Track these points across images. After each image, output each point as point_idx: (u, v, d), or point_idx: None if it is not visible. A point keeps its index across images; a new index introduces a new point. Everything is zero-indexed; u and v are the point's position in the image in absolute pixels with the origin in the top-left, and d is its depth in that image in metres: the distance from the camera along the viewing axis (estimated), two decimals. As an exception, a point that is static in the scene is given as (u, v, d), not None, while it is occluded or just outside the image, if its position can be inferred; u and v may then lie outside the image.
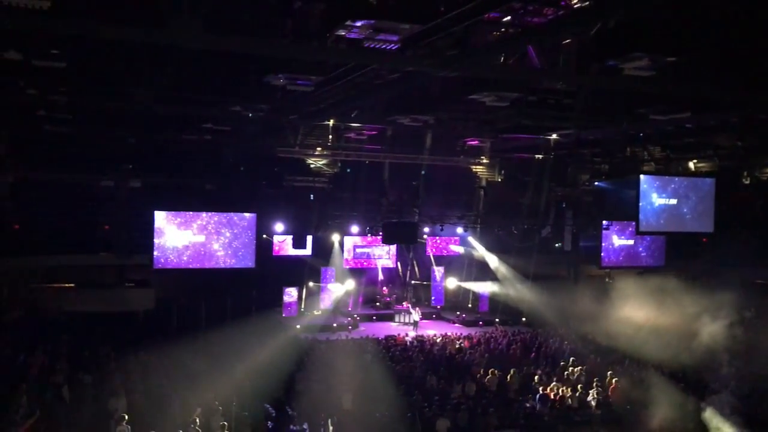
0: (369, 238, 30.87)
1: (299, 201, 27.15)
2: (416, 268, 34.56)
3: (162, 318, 25.67)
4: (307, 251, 28.21)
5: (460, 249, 33.11)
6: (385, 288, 34.28)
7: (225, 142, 24.44)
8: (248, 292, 26.98)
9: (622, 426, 19.30)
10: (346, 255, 31.56)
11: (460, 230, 31.21)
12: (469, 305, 33.95)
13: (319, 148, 25.64)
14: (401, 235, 26.71)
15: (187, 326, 23.57)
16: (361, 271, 32.81)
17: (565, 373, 22.04)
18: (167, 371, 19.36)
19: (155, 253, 21.75)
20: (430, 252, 33.03)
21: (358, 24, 10.14)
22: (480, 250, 32.14)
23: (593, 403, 20.22)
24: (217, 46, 11.80)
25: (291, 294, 29.82)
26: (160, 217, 21.86)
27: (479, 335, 27.42)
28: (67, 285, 27.50)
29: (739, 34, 11.55)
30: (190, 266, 22.31)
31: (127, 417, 15.29)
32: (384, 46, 11.22)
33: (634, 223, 21.69)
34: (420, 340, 26.15)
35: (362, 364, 21.31)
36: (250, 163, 25.87)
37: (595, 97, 17.08)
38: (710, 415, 17.85)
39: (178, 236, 22.01)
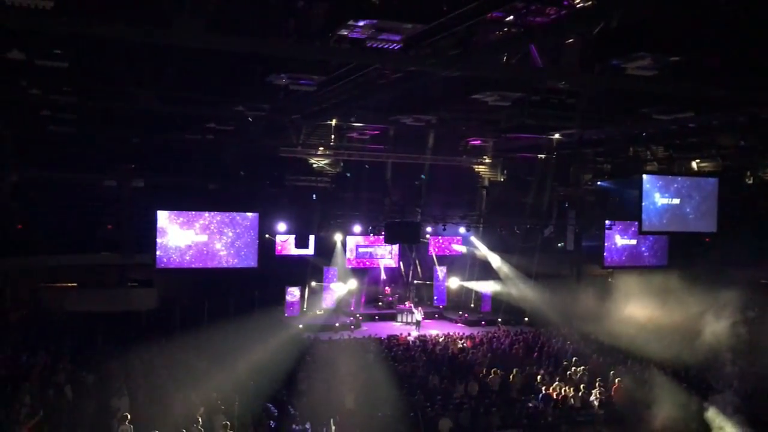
0: (371, 237, 30.86)
1: (302, 201, 27.18)
2: (419, 268, 34.56)
3: (165, 318, 25.73)
4: (310, 251, 28.22)
5: (462, 249, 33.10)
6: (387, 288, 34.29)
7: (228, 142, 24.44)
8: (250, 292, 27.02)
9: (625, 426, 19.27)
10: (348, 255, 31.55)
11: (462, 230, 31.20)
12: (472, 305, 33.96)
13: (321, 148, 25.64)
14: (404, 234, 26.71)
15: (189, 326, 23.60)
16: (363, 271, 32.81)
17: (568, 372, 22.02)
18: (170, 371, 19.38)
19: (158, 252, 21.77)
20: (433, 252, 33.02)
21: (361, 24, 10.13)
22: (482, 250, 32.13)
23: (596, 403, 20.19)
24: (220, 46, 11.81)
25: (293, 293, 29.83)
26: (163, 217, 21.88)
27: (482, 335, 27.40)
28: (69, 285, 27.56)
29: (742, 33, 11.53)
30: (193, 266, 22.33)
31: (129, 416, 15.30)
32: (386, 46, 11.22)
33: (636, 223, 21.64)
34: (422, 340, 26.15)
35: (364, 363, 21.31)
36: (252, 162, 25.87)
37: (598, 96, 17.07)
38: (713, 415, 17.83)
39: (180, 236, 22.03)
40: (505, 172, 29.70)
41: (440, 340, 26.21)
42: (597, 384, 20.76)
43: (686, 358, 21.23)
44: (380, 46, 11.20)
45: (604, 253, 25.69)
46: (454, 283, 33.60)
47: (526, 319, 30.99)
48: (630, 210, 21.79)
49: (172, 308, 26.29)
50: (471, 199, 30.75)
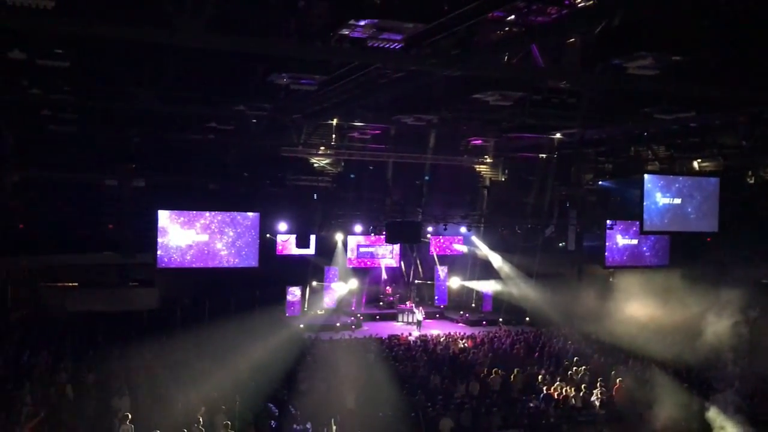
0: (372, 237, 30.84)
1: (303, 200, 27.18)
2: (420, 268, 34.57)
3: (165, 317, 25.71)
4: (311, 251, 28.21)
5: (463, 248, 33.09)
6: (388, 287, 34.29)
7: (229, 142, 24.44)
8: (251, 292, 27.01)
9: (626, 426, 19.26)
10: (349, 254, 31.54)
11: (463, 229, 31.19)
12: (473, 305, 33.95)
13: (322, 148, 25.65)
14: (405, 234, 26.69)
15: (190, 325, 23.59)
16: (364, 271, 32.80)
17: (569, 372, 22.01)
18: (171, 370, 19.39)
19: (159, 252, 21.74)
20: (434, 251, 33.00)
21: (362, 23, 10.12)
22: (483, 250, 32.12)
23: (597, 403, 20.18)
24: (221, 46, 11.79)
25: (294, 293, 29.82)
26: (164, 217, 21.86)
27: (483, 335, 27.40)
28: (70, 284, 27.56)
29: (743, 33, 11.52)
30: (194, 265, 22.30)
31: (130, 416, 15.31)
32: (388, 46, 11.20)
33: (638, 223, 21.61)
34: (423, 340, 26.15)
35: (365, 363, 21.32)
36: (253, 162, 25.88)
37: (599, 96, 17.05)
38: (714, 415, 17.81)
39: (181, 235, 22.02)
40: (506, 171, 29.69)
41: (441, 340, 26.21)
42: (598, 384, 20.75)
43: (687, 358, 21.21)
44: (381, 45, 11.18)
45: (606, 253, 25.65)
46: (455, 282, 33.60)
47: (527, 319, 30.98)
48: (631, 210, 21.73)
49: (173, 308, 26.29)
50: (472, 198, 30.74)
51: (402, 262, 33.82)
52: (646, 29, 10.85)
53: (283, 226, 26.69)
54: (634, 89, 15.00)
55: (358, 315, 31.18)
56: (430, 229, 31.01)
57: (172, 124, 22.39)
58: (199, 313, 25.60)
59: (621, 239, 25.81)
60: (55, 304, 26.07)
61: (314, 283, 31.08)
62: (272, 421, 16.84)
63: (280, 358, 21.04)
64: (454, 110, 19.56)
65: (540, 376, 21.40)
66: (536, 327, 29.11)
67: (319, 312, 30.72)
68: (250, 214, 22.91)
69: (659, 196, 20.85)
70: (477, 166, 29.51)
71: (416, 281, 34.61)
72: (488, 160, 29.12)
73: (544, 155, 27.16)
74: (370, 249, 32.35)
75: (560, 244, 29.77)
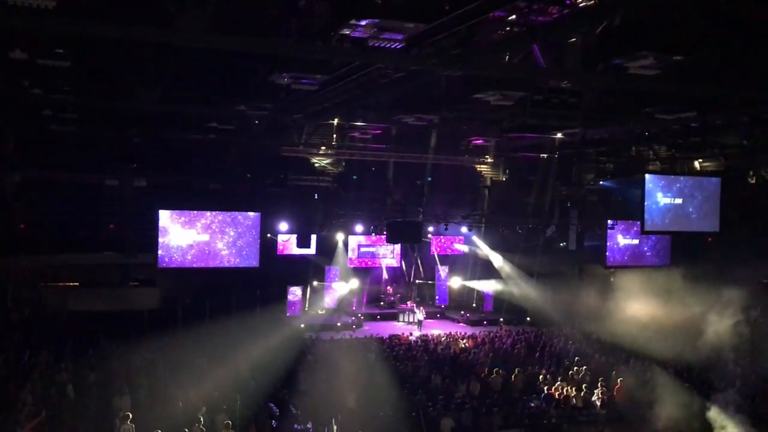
0: (373, 237, 30.82)
1: (304, 200, 27.20)
2: (420, 268, 34.55)
3: (166, 317, 25.69)
4: (312, 250, 28.21)
5: (464, 248, 33.08)
6: (389, 287, 34.28)
7: (229, 142, 24.45)
8: (252, 292, 26.99)
9: (627, 426, 19.25)
10: (350, 254, 31.53)
11: (464, 229, 31.17)
12: (474, 305, 33.92)
13: (323, 148, 25.65)
14: (406, 234, 26.68)
15: (191, 325, 23.57)
16: (365, 271, 32.79)
17: (570, 372, 22.00)
18: (172, 370, 19.38)
19: (160, 252, 21.77)
20: (435, 251, 32.98)
21: (363, 23, 10.12)
22: (484, 250, 32.11)
23: (598, 403, 20.17)
24: (221, 46, 11.81)
25: (295, 293, 29.82)
26: (165, 216, 21.88)
27: (483, 335, 27.38)
28: (71, 284, 27.56)
29: (745, 33, 11.51)
30: (195, 265, 22.33)
31: (131, 416, 15.30)
32: (389, 45, 11.20)
33: (639, 223, 21.60)
34: (424, 340, 26.14)
35: (366, 363, 21.31)
36: (254, 162, 25.88)
37: (601, 96, 17.05)
38: (715, 414, 17.79)
39: (182, 235, 22.03)
40: (507, 171, 29.71)
41: (442, 339, 26.20)
42: (599, 384, 20.73)
43: (689, 358, 21.19)
44: (382, 45, 11.18)
45: (607, 253, 25.65)
46: (455, 282, 33.58)
47: (528, 318, 30.96)
48: (632, 210, 21.72)
49: (173, 308, 26.27)
50: (473, 198, 30.76)
51: (403, 262, 33.81)
52: (648, 29, 10.85)
53: (284, 225, 26.69)
54: (636, 89, 15.00)
55: (359, 315, 31.16)
56: (430, 228, 30.99)
57: (173, 124, 22.41)
58: (200, 312, 25.57)
59: (622, 239, 25.80)
60: (56, 304, 26.08)
61: (315, 283, 31.07)
62: (273, 421, 16.84)
63: (280, 357, 21.05)
64: (455, 110, 19.56)
65: (541, 376, 21.38)
66: (537, 327, 29.09)
67: (319, 312, 30.72)
68: (251, 213, 22.94)
69: (660, 196, 20.84)
70: (478, 166, 29.53)
71: (417, 281, 34.60)
72: (489, 160, 29.13)
73: (545, 155, 27.16)
74: (371, 249, 32.35)
75: (561, 244, 29.76)
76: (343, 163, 27.20)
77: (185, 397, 17.03)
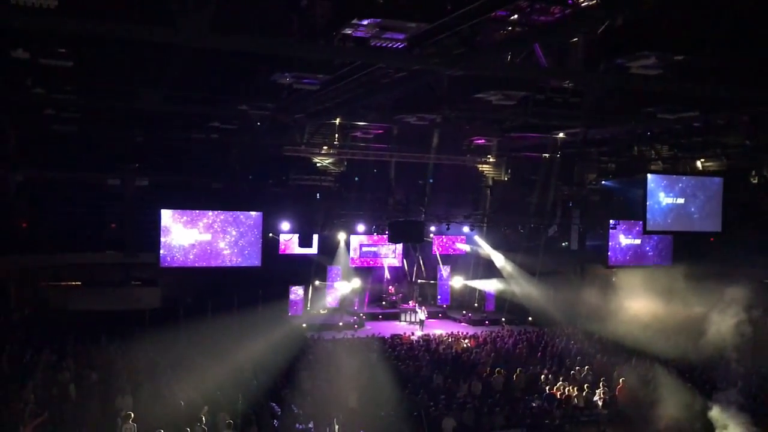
0: (375, 236, 30.83)
1: (305, 200, 27.20)
2: (422, 267, 34.52)
3: (168, 316, 25.73)
4: (313, 250, 28.21)
5: (466, 247, 33.07)
6: (391, 287, 34.26)
7: (231, 141, 24.46)
8: (254, 291, 27.00)
9: (629, 425, 19.23)
10: (352, 254, 31.53)
11: (466, 229, 31.15)
12: (476, 304, 33.90)
13: (325, 147, 25.65)
14: (407, 233, 26.68)
15: (193, 324, 23.58)
16: (367, 270, 32.78)
17: (572, 372, 21.98)
18: (174, 369, 19.38)
19: (162, 251, 21.78)
20: (437, 251, 32.97)
21: (365, 23, 10.12)
22: (486, 249, 32.10)
23: (600, 403, 20.15)
24: (224, 45, 11.81)
25: (297, 292, 29.82)
26: (167, 216, 21.89)
27: (485, 334, 27.37)
28: (73, 283, 27.59)
29: (746, 32, 11.50)
30: (197, 265, 22.34)
31: (133, 415, 15.31)
32: (391, 45, 11.21)
33: (641, 223, 21.60)
34: (426, 339, 26.12)
35: (368, 363, 21.29)
36: (256, 161, 25.89)
37: (603, 95, 17.03)
38: (717, 414, 17.77)
39: (184, 235, 22.04)
40: (509, 171, 29.70)
41: (444, 339, 26.19)
42: (601, 384, 20.72)
43: (691, 357, 21.17)
44: (384, 45, 11.19)
45: (608, 253, 25.64)
46: (457, 282, 33.57)
47: (530, 318, 30.94)
48: (634, 209, 21.72)
49: (175, 307, 26.28)
50: (475, 198, 30.73)
51: (405, 262, 33.79)
52: (649, 29, 10.85)
53: (285, 225, 26.69)
54: (637, 89, 15.00)
55: (361, 314, 31.13)
56: (432, 228, 30.97)
57: (175, 124, 22.44)
58: (202, 312, 25.56)
59: (624, 239, 25.80)
60: (57, 304, 26.11)
61: (317, 283, 31.05)
62: (274, 420, 16.85)
63: (282, 357, 21.05)
64: (457, 110, 19.57)
65: (543, 376, 21.37)
66: (539, 327, 29.07)
67: (321, 311, 30.71)
68: (253, 213, 22.95)
69: (662, 195, 20.84)
70: (480, 166, 29.51)
71: (419, 281, 34.56)
72: (491, 160, 29.11)
73: (547, 155, 27.13)
74: (373, 248, 32.35)
75: (563, 244, 29.76)
76: (345, 163, 27.20)
77: (187, 397, 17.03)
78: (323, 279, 30.90)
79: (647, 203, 20.57)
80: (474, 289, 33.86)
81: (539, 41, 12.24)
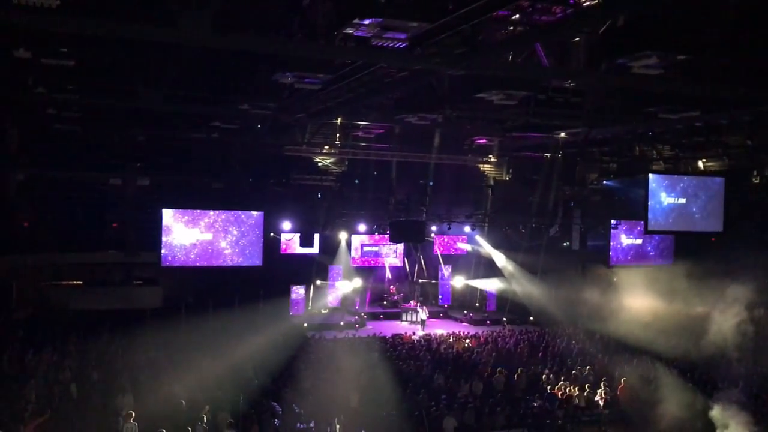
0: (376, 236, 30.86)
1: (307, 199, 27.20)
2: (424, 267, 34.54)
3: (169, 316, 25.74)
4: (315, 249, 28.22)
5: (467, 247, 33.06)
6: (392, 286, 34.27)
7: (233, 141, 24.46)
8: (255, 290, 27.01)
9: (630, 425, 19.23)
10: (353, 253, 31.55)
11: (467, 229, 31.15)
12: (477, 304, 33.90)
13: (326, 147, 25.65)
14: (409, 233, 26.69)
15: (194, 324, 23.61)
16: (368, 270, 32.80)
17: (573, 372, 21.98)
18: (175, 369, 19.40)
19: (163, 251, 21.79)
20: (438, 250, 32.99)
21: (366, 22, 10.12)
22: (488, 249, 32.09)
23: (601, 403, 20.14)
24: (226, 45, 11.81)
25: (298, 292, 29.85)
26: (168, 215, 21.90)
27: (486, 334, 27.38)
28: (75, 283, 27.62)
29: (748, 32, 11.49)
30: (198, 264, 22.34)
31: (134, 414, 15.33)
32: (392, 45, 11.21)
33: (642, 222, 21.58)
34: (427, 339, 26.12)
35: (369, 362, 21.30)
36: (257, 161, 25.89)
37: (604, 95, 17.01)
38: (718, 413, 17.76)
39: (185, 234, 22.04)
40: (511, 171, 29.67)
41: (445, 339, 26.19)
42: (602, 384, 20.71)
43: (692, 357, 21.16)
44: (386, 44, 11.19)
45: (610, 253, 25.63)
46: (458, 282, 33.59)
47: (531, 318, 30.94)
48: (636, 209, 21.71)
49: (176, 306, 26.30)
50: (476, 198, 30.68)
51: (406, 261, 33.82)
52: (651, 29, 10.84)
53: (287, 225, 26.68)
54: (639, 88, 14.98)
55: (362, 314, 31.14)
56: (434, 228, 30.98)
57: (177, 123, 22.42)
58: (203, 311, 25.60)
59: (625, 239, 25.78)
60: (59, 303, 26.12)
61: (318, 282, 31.07)
62: (275, 420, 16.86)
63: (283, 356, 21.07)
64: (459, 109, 19.56)
65: (544, 376, 21.37)
66: (540, 326, 29.08)
67: (322, 311, 30.75)
68: (254, 212, 22.95)
69: (664, 195, 20.83)
70: (481, 166, 29.50)
71: (420, 280, 34.57)
72: (492, 160, 29.10)
73: (548, 154, 27.12)
74: (374, 248, 32.40)
75: (564, 244, 29.72)
76: (347, 163, 27.19)
77: (188, 396, 17.04)
78: (324, 278, 30.93)
79: (649, 203, 20.56)
80: (475, 289, 33.87)
81: (541, 41, 12.23)
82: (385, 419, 17.63)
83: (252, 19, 10.92)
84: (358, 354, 22.07)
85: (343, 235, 30.70)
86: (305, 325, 28.19)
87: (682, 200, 21.00)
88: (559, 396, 20.11)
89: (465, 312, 32.67)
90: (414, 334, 27.82)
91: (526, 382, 21.14)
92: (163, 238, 21.73)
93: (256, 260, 22.89)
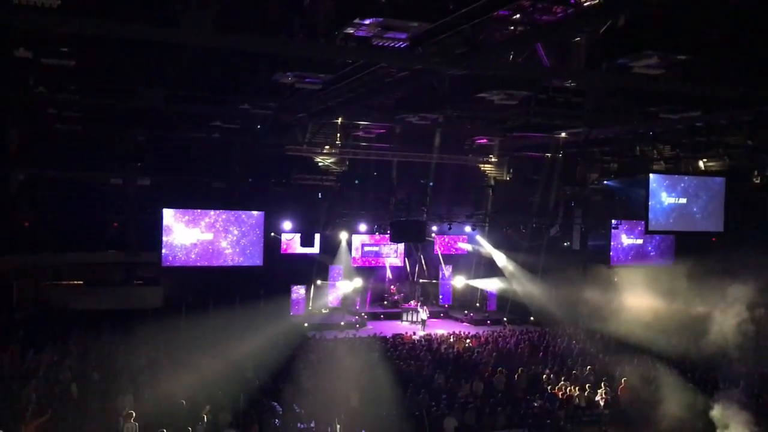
0: (377, 236, 30.87)
1: (307, 199, 27.22)
2: (424, 267, 34.54)
3: (170, 315, 25.76)
4: (315, 249, 28.23)
5: (468, 247, 33.06)
6: (392, 286, 34.28)
7: (233, 141, 24.46)
8: (256, 290, 27.02)
9: (631, 425, 19.21)
10: (354, 253, 31.56)
11: (468, 229, 31.15)
12: (477, 304, 33.90)
13: (327, 147, 25.64)
14: (409, 233, 26.69)
15: (195, 324, 23.62)
16: (369, 270, 32.81)
17: (574, 372, 21.97)
18: (175, 369, 19.40)
19: (163, 250, 21.78)
20: (438, 250, 33.00)
21: (367, 22, 10.11)
22: (488, 249, 32.09)
23: (602, 403, 20.13)
24: (226, 45, 11.81)
25: (299, 292, 29.86)
26: (169, 215, 21.89)
27: (487, 334, 27.38)
28: (75, 282, 27.64)
29: (749, 32, 11.48)
30: (198, 264, 22.34)
31: (134, 414, 15.32)
32: (393, 44, 11.20)
33: (643, 222, 21.58)
34: (428, 339, 26.12)
35: (370, 362, 21.30)
36: (258, 161, 25.90)
37: (605, 95, 17.01)
38: (719, 413, 17.75)
39: (186, 234, 22.04)
40: (512, 171, 29.67)
41: (445, 339, 26.18)
42: (602, 384, 20.70)
43: (693, 357, 21.15)
44: (386, 44, 11.18)
45: (611, 253, 25.63)
46: (459, 282, 33.59)
47: (532, 318, 30.94)
48: (636, 209, 21.73)
49: (177, 306, 26.32)
50: (477, 197, 30.71)
51: (406, 261, 33.82)
52: (652, 28, 10.83)
53: (287, 224, 26.69)
54: (640, 88, 14.97)
55: (363, 314, 31.15)
56: (434, 228, 30.99)
57: (177, 123, 22.42)
58: (204, 311, 25.61)
59: (626, 239, 25.79)
60: (60, 303, 26.14)
61: (318, 282, 31.08)
62: (276, 420, 16.85)
63: (284, 356, 21.07)
64: (459, 109, 19.55)
65: (544, 376, 21.36)
66: (541, 326, 29.08)
67: (323, 311, 30.76)
68: (255, 212, 22.94)
69: (665, 195, 20.82)
70: (482, 166, 29.50)
71: (421, 280, 34.58)
72: (493, 159, 29.10)
73: (549, 154, 27.11)
74: (375, 248, 32.41)
75: (565, 244, 29.73)
76: (347, 163, 27.19)
77: (188, 396, 17.04)
78: (325, 278, 30.95)
79: (649, 203, 20.56)
80: (476, 289, 33.87)
81: (541, 41, 12.23)
82: (386, 419, 17.62)
83: (253, 18, 10.92)
84: (358, 354, 22.07)
85: (343, 235, 30.71)
86: (306, 325, 28.19)
87: (683, 200, 21.00)
88: (560, 396, 20.09)
89: (465, 312, 32.66)
90: (414, 334, 27.82)
91: (526, 382, 21.13)
92: (164, 238, 21.72)
93: (257, 260, 22.88)
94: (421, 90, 17.04)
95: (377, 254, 32.53)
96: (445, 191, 29.76)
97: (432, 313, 31.62)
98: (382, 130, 24.94)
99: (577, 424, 19.28)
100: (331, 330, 27.88)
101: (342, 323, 29.27)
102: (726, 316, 20.82)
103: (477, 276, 33.26)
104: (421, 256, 34.25)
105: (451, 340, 26.02)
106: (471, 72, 13.44)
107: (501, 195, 29.34)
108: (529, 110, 17.28)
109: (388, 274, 33.82)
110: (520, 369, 21.57)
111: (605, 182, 25.95)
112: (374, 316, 31.84)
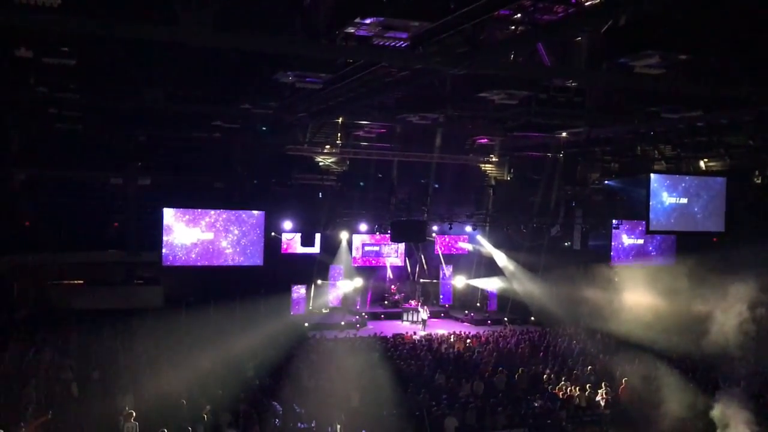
0: (377, 236, 30.85)
1: (308, 199, 27.21)
2: (425, 267, 34.50)
3: (171, 315, 25.75)
4: (316, 249, 28.22)
5: (468, 247, 33.04)
6: (393, 286, 34.25)
7: (234, 140, 24.46)
8: (256, 290, 27.01)
9: (632, 425, 19.20)
10: (354, 253, 31.55)
11: (468, 228, 31.13)
12: (478, 304, 33.89)
13: (327, 146, 25.64)
14: (410, 233, 26.66)
15: (195, 323, 23.62)
16: (369, 269, 32.79)
17: (574, 372, 21.96)
18: (176, 368, 19.40)
19: (164, 250, 21.81)
20: (439, 250, 32.98)
21: (368, 21, 10.10)
22: (489, 249, 32.07)
23: (602, 403, 20.12)
24: (227, 44, 11.81)
25: (299, 291, 29.84)
26: (169, 215, 21.92)
27: (488, 334, 27.37)
28: (76, 282, 27.64)
29: (750, 31, 11.47)
30: (199, 263, 22.37)
31: (134, 414, 15.33)
32: (393, 44, 11.19)
33: (643, 222, 21.56)
34: (428, 339, 26.11)
35: (370, 362, 21.29)
36: (258, 160, 25.89)
37: (606, 95, 17.00)
38: (719, 413, 17.74)
39: (186, 234, 22.06)
40: (512, 170, 29.66)
41: (446, 338, 26.17)
42: (603, 384, 20.69)
43: (694, 357, 21.14)
44: (387, 43, 11.17)
45: (611, 253, 25.61)
46: (460, 281, 33.57)
47: (533, 318, 30.92)
48: (637, 209, 21.71)
49: (178, 306, 26.31)
50: (477, 197, 30.69)
51: (407, 261, 33.80)
52: (653, 28, 10.81)
53: (288, 224, 26.69)
54: (641, 88, 14.96)
55: (363, 314, 31.13)
56: (435, 227, 30.95)
57: (178, 123, 22.41)
58: (204, 311, 25.60)
59: (627, 239, 25.78)
60: (60, 302, 26.16)
61: (319, 282, 31.05)
62: (276, 420, 16.85)
63: (284, 356, 21.06)
64: (460, 109, 19.55)
65: (545, 376, 21.36)
66: (541, 326, 29.06)
67: (323, 310, 30.74)
68: (255, 212, 22.97)
69: (665, 195, 20.81)
70: (482, 165, 29.49)
71: (421, 280, 34.54)
72: (494, 159, 29.09)
73: (550, 154, 27.10)
74: (375, 248, 32.39)
75: (566, 244, 29.70)
76: (348, 162, 27.18)
77: (189, 396, 17.05)
78: (325, 278, 30.93)
79: (650, 203, 20.55)
80: (476, 289, 33.85)
81: (542, 40, 12.22)
82: (386, 419, 17.63)
83: (253, 18, 10.91)
84: (359, 354, 22.07)
85: (344, 235, 30.69)
86: (306, 324, 28.17)
87: (684, 200, 20.99)
88: (561, 396, 20.09)
89: (466, 312, 32.65)
90: (415, 333, 27.81)
91: (527, 382, 21.13)
92: (165, 238, 21.74)
93: (257, 260, 22.91)
94: (422, 89, 17.02)
95: (378, 254, 32.52)
96: (445, 191, 29.76)
97: (432, 312, 31.61)
98: (382, 130, 24.93)
99: (578, 424, 19.28)
100: (332, 330, 27.86)
101: (342, 323, 29.25)
102: (727, 315, 20.79)
103: (477, 276, 33.24)
104: (422, 256, 34.22)
105: (452, 339, 26.01)
106: (472, 71, 13.42)
107: (502, 195, 29.32)
108: (529, 110, 17.26)
109: (389, 273, 33.79)
110: (520, 369, 21.58)
111: (606, 182, 25.92)
112: (375, 316, 31.82)
